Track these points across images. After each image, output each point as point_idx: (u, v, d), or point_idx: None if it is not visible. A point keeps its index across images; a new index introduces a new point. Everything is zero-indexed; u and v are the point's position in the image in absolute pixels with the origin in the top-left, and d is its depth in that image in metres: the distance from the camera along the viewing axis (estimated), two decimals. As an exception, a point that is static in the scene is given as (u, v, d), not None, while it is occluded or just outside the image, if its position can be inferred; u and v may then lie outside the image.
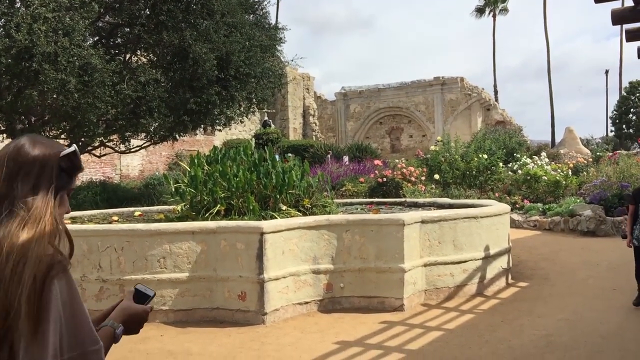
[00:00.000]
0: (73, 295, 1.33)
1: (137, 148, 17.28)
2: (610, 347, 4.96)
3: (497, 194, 14.85)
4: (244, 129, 29.46)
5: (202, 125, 16.50)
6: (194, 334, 5.63)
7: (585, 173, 16.59)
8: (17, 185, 1.36)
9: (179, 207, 7.87)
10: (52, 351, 1.25)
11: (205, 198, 7.34)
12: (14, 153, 1.39)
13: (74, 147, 1.49)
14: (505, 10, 46.72)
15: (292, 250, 6.12)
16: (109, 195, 16.83)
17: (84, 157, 19.30)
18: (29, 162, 1.38)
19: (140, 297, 1.65)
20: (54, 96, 11.39)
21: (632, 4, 4.95)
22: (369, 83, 34.73)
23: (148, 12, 13.25)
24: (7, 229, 1.31)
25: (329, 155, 22.28)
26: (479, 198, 14.01)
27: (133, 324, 1.57)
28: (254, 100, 16.33)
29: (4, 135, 14.22)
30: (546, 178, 15.16)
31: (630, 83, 42.42)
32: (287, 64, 18.60)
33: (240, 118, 16.73)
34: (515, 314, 6.09)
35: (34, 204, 1.35)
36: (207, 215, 7.09)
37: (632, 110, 41.32)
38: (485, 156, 15.91)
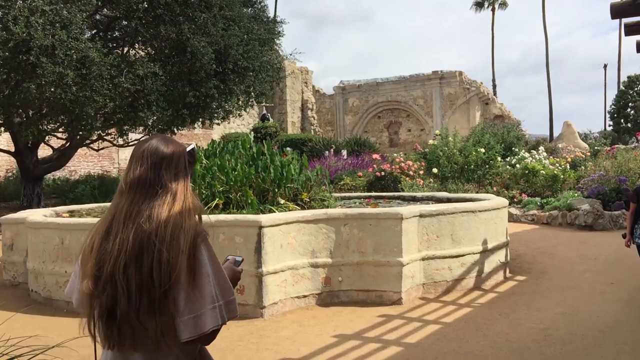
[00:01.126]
0: (214, 257, 1.72)
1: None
2: (608, 340, 4.98)
3: (495, 188, 14.87)
4: (242, 123, 29.44)
5: (201, 119, 16.48)
6: (192, 328, 5.63)
7: (583, 167, 16.61)
8: (162, 174, 1.76)
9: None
10: (209, 298, 1.65)
11: (204, 192, 7.34)
12: (153, 149, 1.79)
13: (193, 144, 1.93)
14: (504, 4, 46.64)
15: (291, 244, 6.13)
16: (107, 188, 16.82)
17: (82, 151, 19.27)
18: (168, 156, 1.78)
19: (233, 262, 2.07)
20: (52, 89, 11.36)
21: (631, -3, 4.94)
22: (368, 77, 34.73)
23: (146, 5, 13.20)
24: (161, 206, 1.71)
25: (331, 150, 22.17)
26: (477, 192, 14.03)
27: (234, 282, 1.96)
28: (253, 94, 16.31)
29: (2, 128, 14.19)
30: (544, 172, 15.17)
31: (628, 77, 42.44)
32: (285, 57, 18.58)
33: (238, 112, 16.71)
34: (513, 308, 6.11)
35: (177, 187, 1.76)
36: (205, 209, 7.09)
37: (630, 104, 41.34)
38: (484, 150, 15.92)
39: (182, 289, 1.63)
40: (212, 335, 1.68)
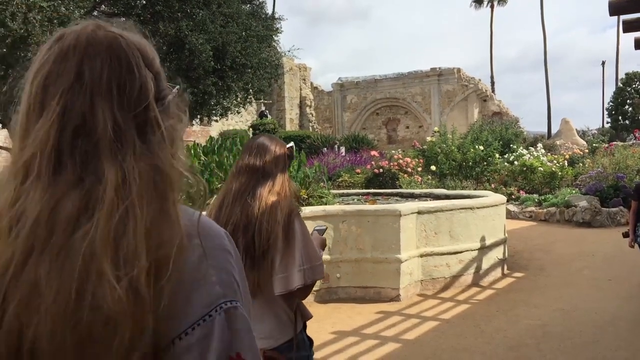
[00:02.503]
0: (305, 229, 2.12)
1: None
2: (605, 336, 5.00)
3: (493, 185, 14.88)
4: (241, 120, 29.41)
5: (199, 116, 16.46)
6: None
7: (581, 164, 16.64)
8: (267, 164, 2.21)
9: (175, 198, 7.86)
10: (298, 261, 2.03)
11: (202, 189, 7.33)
12: (262, 144, 2.26)
13: (292, 143, 2.38)
14: (503, 1, 46.60)
15: (289, 241, 6.13)
16: (105, 185, 16.81)
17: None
18: (273, 151, 2.23)
19: (319, 232, 2.49)
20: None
21: (629, -6, 4.94)
22: (366, 74, 34.71)
23: (144, 2, 13.18)
24: (264, 188, 2.15)
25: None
26: (475, 189, 14.05)
27: (322, 248, 2.38)
28: (251, 90, 16.29)
29: (0, 125, 14.16)
30: (542, 169, 15.19)
31: (626, 74, 42.46)
32: (283, 54, 18.55)
33: (236, 109, 16.69)
34: (511, 304, 6.12)
35: (278, 175, 2.20)
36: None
37: (628, 101, 41.38)
38: (482, 147, 15.93)
39: (278, 253, 2.04)
40: (302, 291, 2.06)
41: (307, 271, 2.05)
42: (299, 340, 2.14)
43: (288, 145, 2.32)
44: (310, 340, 2.25)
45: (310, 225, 2.57)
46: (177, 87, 0.93)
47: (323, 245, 2.43)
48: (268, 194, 2.13)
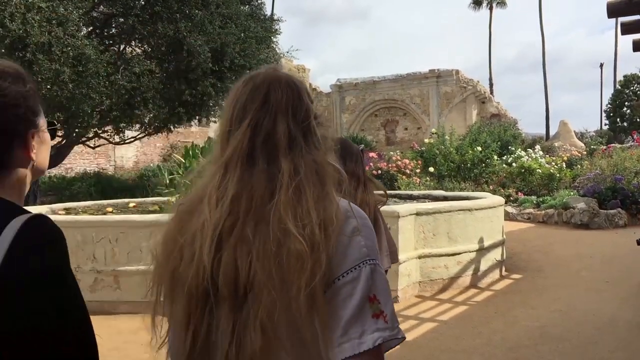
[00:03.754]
0: (384, 220, 2.74)
1: (132, 139, 17.23)
2: (604, 338, 5.00)
3: (491, 187, 14.89)
4: (239, 121, 29.40)
5: (197, 117, 16.46)
6: (188, 325, 5.63)
7: (579, 166, 16.65)
8: (354, 166, 2.87)
9: (173, 199, 7.86)
10: (385, 244, 2.56)
11: (200, 189, 7.33)
12: (356, 151, 2.97)
13: (362, 145, 2.96)
14: (502, 2, 46.67)
15: (287, 242, 6.12)
16: (104, 186, 16.80)
17: (78, 148, 19.24)
18: (355, 152, 2.90)
19: None
20: (48, 86, 11.32)
21: (627, -4, 4.95)
22: (364, 75, 34.75)
23: (143, 3, 13.18)
24: (351, 184, 2.72)
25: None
26: (473, 190, 14.05)
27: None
28: (249, 91, 16.28)
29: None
30: (540, 171, 15.21)
31: (624, 76, 42.53)
32: (282, 55, 18.53)
33: (235, 110, 16.69)
34: (509, 306, 6.12)
35: (361, 175, 2.86)
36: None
37: (626, 103, 41.45)
38: (480, 149, 15.94)
39: None
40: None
41: (392, 255, 2.73)
42: None
43: (361, 147, 2.93)
44: None
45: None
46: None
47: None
48: (355, 191, 2.69)
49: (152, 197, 11.43)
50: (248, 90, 1.16)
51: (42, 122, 1.25)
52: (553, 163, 16.08)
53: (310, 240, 1.02)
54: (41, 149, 1.22)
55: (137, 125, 15.72)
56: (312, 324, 1.01)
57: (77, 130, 14.23)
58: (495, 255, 7.47)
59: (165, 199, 8.69)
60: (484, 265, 7.21)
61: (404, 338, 1.10)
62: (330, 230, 1.03)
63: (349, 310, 1.01)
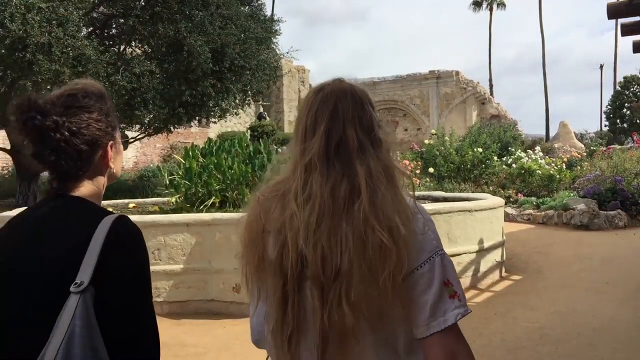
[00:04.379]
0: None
1: (132, 140, 17.22)
2: (603, 339, 5.00)
3: (491, 188, 14.89)
4: (239, 122, 29.40)
5: (197, 118, 16.49)
6: (188, 326, 5.64)
7: (579, 167, 16.64)
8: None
9: (173, 199, 7.87)
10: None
11: (200, 190, 7.33)
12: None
13: None
14: (502, 4, 46.72)
15: (287, 243, 6.12)
16: (103, 187, 16.76)
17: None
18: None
19: None
20: (48, 87, 11.33)
21: (627, -2, 4.96)
22: (364, 75, 34.72)
23: (143, 3, 13.19)
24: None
25: None
26: (473, 191, 14.05)
27: None
28: (249, 92, 16.31)
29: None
30: (540, 172, 15.20)
31: (624, 78, 42.58)
32: (282, 56, 18.55)
33: (235, 110, 16.70)
34: (508, 307, 6.12)
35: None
36: (201, 207, 7.08)
37: (626, 104, 41.48)
38: (480, 150, 15.94)
39: None
40: None
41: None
42: None
43: None
44: None
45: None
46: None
47: None
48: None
49: (151, 197, 11.43)
50: (318, 100, 1.33)
51: (118, 135, 1.45)
52: (553, 164, 16.07)
53: (391, 235, 1.19)
54: (117, 158, 1.44)
55: (137, 126, 15.73)
56: (392, 306, 1.21)
57: (77, 130, 14.22)
58: (495, 256, 7.47)
59: (165, 199, 8.69)
60: (483, 266, 7.21)
61: (471, 311, 1.35)
62: (406, 227, 1.22)
63: (431, 295, 1.23)
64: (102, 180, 1.43)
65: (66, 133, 1.28)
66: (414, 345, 1.27)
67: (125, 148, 1.37)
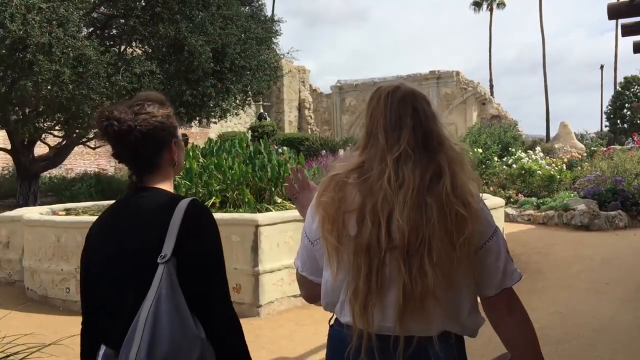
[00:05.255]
0: None
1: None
2: (603, 340, 5.00)
3: (491, 188, 14.89)
4: (240, 122, 29.40)
5: (198, 118, 16.47)
6: (188, 326, 5.63)
7: (579, 168, 16.63)
8: None
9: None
10: None
11: (200, 190, 7.34)
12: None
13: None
14: (502, 4, 46.71)
15: (287, 243, 6.13)
16: (104, 187, 16.77)
17: (78, 149, 19.23)
18: None
19: None
20: (48, 87, 11.32)
21: (628, -2, 4.96)
22: (365, 76, 34.73)
23: (143, 4, 13.18)
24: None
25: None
26: (473, 192, 14.02)
27: None
28: (250, 92, 16.29)
29: (-1, 125, 14.15)
30: (540, 172, 15.20)
31: (625, 78, 42.57)
32: (282, 56, 18.54)
33: (235, 111, 16.69)
34: None
35: None
36: (202, 207, 7.07)
37: (626, 105, 41.48)
38: (480, 150, 15.94)
39: None
40: None
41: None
42: None
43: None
44: None
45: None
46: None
47: None
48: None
49: (152, 197, 11.41)
50: (396, 101, 1.56)
51: (179, 133, 1.77)
52: (553, 165, 16.07)
53: (466, 207, 1.45)
54: (179, 153, 1.74)
55: (138, 126, 15.70)
56: (466, 272, 1.47)
57: (77, 130, 14.24)
58: (495, 256, 7.47)
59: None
60: (483, 266, 7.20)
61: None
62: (476, 204, 1.49)
63: (501, 262, 1.55)
64: (169, 171, 1.73)
65: (138, 135, 1.60)
66: (474, 309, 1.58)
67: (185, 145, 1.70)
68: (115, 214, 1.70)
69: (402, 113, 1.54)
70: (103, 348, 1.58)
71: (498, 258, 1.55)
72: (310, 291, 1.75)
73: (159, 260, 1.48)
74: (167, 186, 1.70)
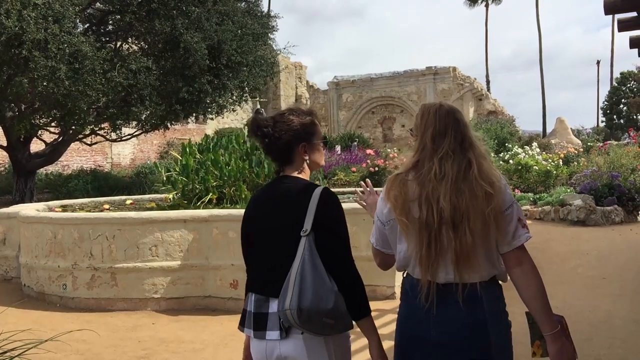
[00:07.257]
0: None
1: (129, 136, 17.18)
2: (599, 335, 5.02)
3: (488, 184, 14.88)
4: (236, 118, 29.36)
5: (194, 114, 16.43)
6: (186, 322, 5.64)
7: (575, 163, 16.67)
8: None
9: (170, 196, 7.86)
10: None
11: (197, 187, 7.33)
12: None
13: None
14: (498, 0, 46.63)
15: (284, 239, 6.12)
16: (100, 183, 16.75)
17: (75, 146, 19.18)
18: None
19: None
20: (44, 83, 11.29)
21: (624, -7, 4.95)
22: (361, 72, 34.67)
23: (139, 0, 13.13)
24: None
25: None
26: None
27: None
28: (246, 89, 16.26)
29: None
30: (537, 168, 15.23)
31: (621, 74, 42.64)
32: (279, 52, 18.51)
33: (232, 107, 16.66)
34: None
35: None
36: (199, 203, 7.08)
37: (623, 100, 41.55)
38: (477, 146, 15.89)
39: None
40: None
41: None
42: None
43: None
44: None
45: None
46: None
47: None
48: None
49: (149, 194, 11.42)
50: (443, 115, 2.08)
51: (316, 138, 2.25)
52: (550, 160, 16.10)
53: (492, 186, 1.97)
54: (314, 153, 2.24)
55: (134, 123, 15.67)
56: (493, 232, 2.01)
57: (73, 127, 14.19)
58: (492, 252, 7.48)
59: (162, 196, 8.69)
60: (480, 262, 7.22)
61: (531, 236, 2.13)
62: (499, 183, 2.00)
63: (512, 226, 2.03)
64: (305, 166, 2.23)
65: (272, 139, 2.15)
66: (499, 257, 2.10)
67: (325, 146, 2.65)
68: (265, 196, 2.25)
69: (447, 123, 2.06)
70: (253, 295, 2.12)
71: (510, 223, 2.02)
72: (384, 260, 2.30)
73: (301, 234, 2.01)
74: (305, 176, 2.22)
